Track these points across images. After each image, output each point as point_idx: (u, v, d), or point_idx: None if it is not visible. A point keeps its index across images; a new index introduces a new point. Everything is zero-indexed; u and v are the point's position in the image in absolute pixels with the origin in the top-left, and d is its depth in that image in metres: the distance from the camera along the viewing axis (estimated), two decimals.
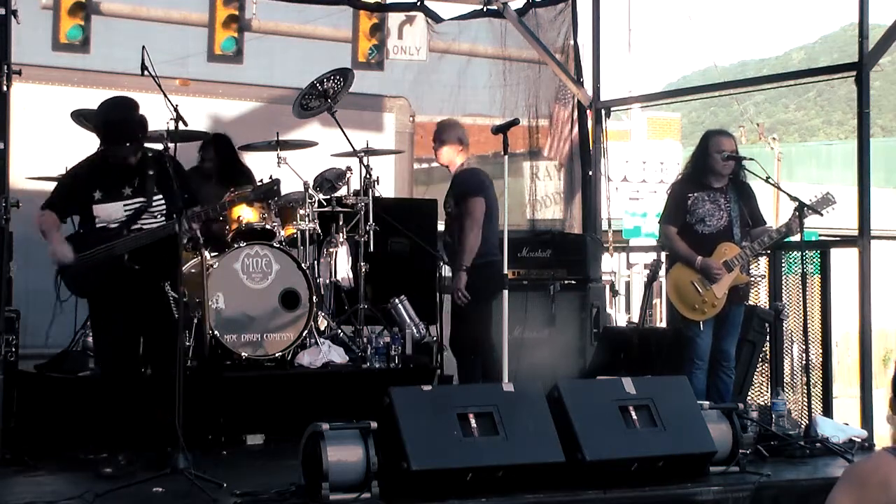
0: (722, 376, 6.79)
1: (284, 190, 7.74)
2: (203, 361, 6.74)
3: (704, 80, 35.04)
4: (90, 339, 6.77)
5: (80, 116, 7.57)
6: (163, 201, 5.77)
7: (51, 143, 8.09)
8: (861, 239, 7.23)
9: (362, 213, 7.64)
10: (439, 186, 10.12)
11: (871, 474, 2.64)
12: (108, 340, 5.78)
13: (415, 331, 7.61)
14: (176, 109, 5.76)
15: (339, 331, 7.56)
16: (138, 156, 5.72)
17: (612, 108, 9.56)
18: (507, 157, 6.21)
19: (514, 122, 6.49)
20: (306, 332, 7.06)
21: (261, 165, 7.98)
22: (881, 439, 6.77)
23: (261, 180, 6.51)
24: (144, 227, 5.72)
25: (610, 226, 9.68)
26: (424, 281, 7.90)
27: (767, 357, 7.56)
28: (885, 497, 2.57)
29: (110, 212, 5.70)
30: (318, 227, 7.56)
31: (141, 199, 5.71)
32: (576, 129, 9.52)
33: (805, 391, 6.76)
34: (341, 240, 7.80)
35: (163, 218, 5.75)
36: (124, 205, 5.72)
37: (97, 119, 5.80)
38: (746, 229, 6.86)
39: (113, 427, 5.83)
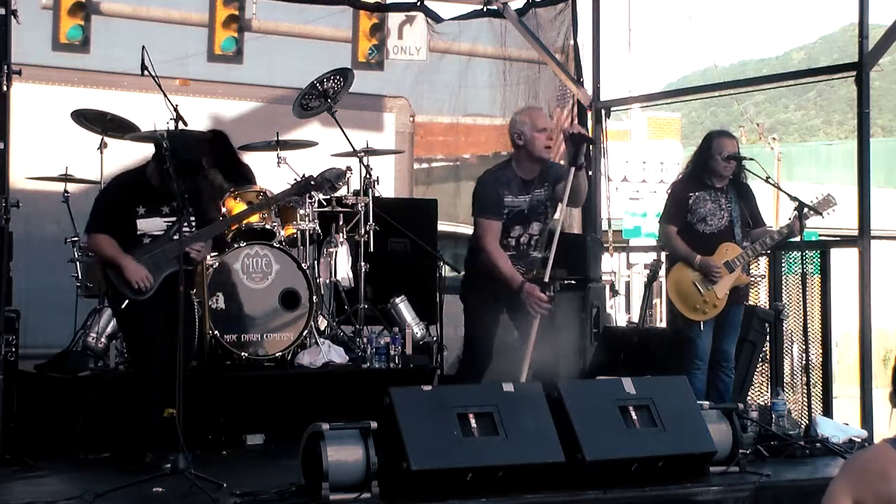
0: (722, 376, 6.79)
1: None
2: (203, 361, 6.75)
3: (704, 80, 35.08)
4: (90, 339, 6.77)
5: (81, 116, 7.57)
6: (194, 220, 5.84)
7: (51, 143, 8.10)
8: (861, 239, 7.23)
9: (362, 213, 7.64)
10: (439, 186, 10.15)
11: (870, 464, 2.65)
12: (149, 342, 5.76)
13: (415, 330, 7.62)
14: (176, 109, 5.78)
15: (339, 331, 7.56)
16: None
17: (612, 108, 9.55)
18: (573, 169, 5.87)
19: (590, 140, 6.32)
20: (306, 332, 7.06)
21: (261, 165, 7.99)
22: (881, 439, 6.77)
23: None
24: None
25: (610, 226, 9.69)
26: (424, 281, 7.90)
27: (767, 357, 7.56)
28: (884, 487, 2.58)
29: (152, 225, 5.80)
30: (318, 227, 7.56)
31: (173, 220, 5.77)
32: None
33: (805, 391, 6.76)
34: (341, 240, 7.80)
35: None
36: (164, 220, 5.81)
37: (175, 149, 5.58)
38: (747, 230, 6.86)
39: (113, 427, 5.85)
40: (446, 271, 7.80)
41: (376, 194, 7.78)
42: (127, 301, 5.77)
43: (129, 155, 7.59)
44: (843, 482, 2.65)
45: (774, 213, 16.78)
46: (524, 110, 6.04)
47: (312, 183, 6.68)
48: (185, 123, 5.83)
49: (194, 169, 5.72)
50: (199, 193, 6.03)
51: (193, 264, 5.95)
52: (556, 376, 5.66)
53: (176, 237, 5.64)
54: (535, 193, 6.03)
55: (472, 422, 5.02)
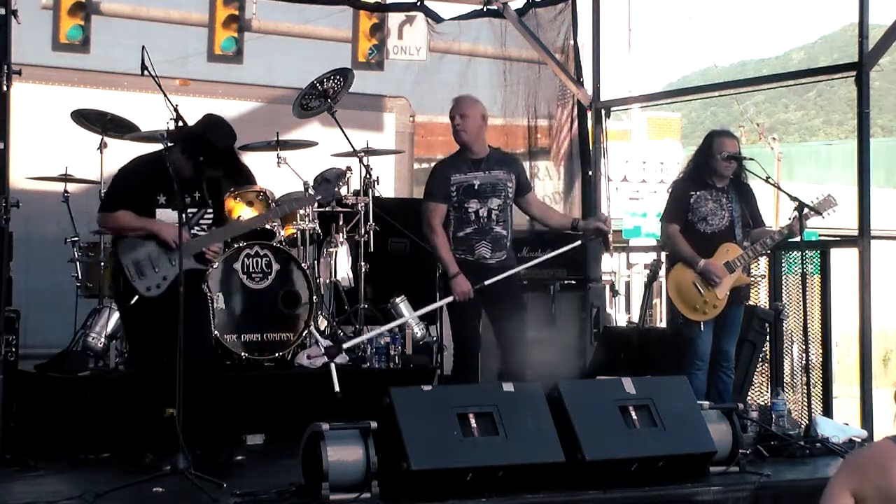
0: (722, 376, 6.79)
1: (284, 189, 7.79)
2: None
3: (704, 80, 35.11)
4: (90, 339, 6.77)
5: (81, 116, 7.57)
6: (211, 213, 5.86)
7: (51, 143, 8.11)
8: (861, 239, 7.23)
9: (362, 213, 7.64)
10: None
11: (871, 460, 2.66)
12: (155, 341, 5.71)
13: (415, 330, 7.61)
14: (176, 109, 5.77)
15: (340, 331, 7.56)
16: None
17: (612, 108, 9.55)
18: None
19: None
20: (306, 332, 7.06)
21: (261, 165, 7.99)
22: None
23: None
24: (197, 234, 5.79)
25: (610, 226, 9.66)
26: (424, 281, 7.89)
27: (767, 357, 7.56)
28: (883, 482, 2.59)
29: (169, 216, 5.73)
30: (318, 227, 7.57)
31: (195, 210, 5.80)
32: (575, 129, 9.52)
33: (805, 391, 6.76)
34: (341, 240, 7.81)
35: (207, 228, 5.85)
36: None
37: (203, 135, 5.66)
38: (747, 230, 6.86)
39: (113, 427, 5.84)
40: None
41: (376, 194, 7.78)
42: (137, 297, 5.67)
43: (129, 155, 7.57)
44: (844, 477, 2.66)
45: (774, 213, 16.78)
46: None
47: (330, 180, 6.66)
48: (185, 123, 5.82)
49: (225, 157, 5.70)
50: (219, 185, 6.00)
51: (208, 264, 5.93)
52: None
53: (195, 230, 5.69)
54: (492, 174, 6.34)
55: (472, 422, 5.02)
